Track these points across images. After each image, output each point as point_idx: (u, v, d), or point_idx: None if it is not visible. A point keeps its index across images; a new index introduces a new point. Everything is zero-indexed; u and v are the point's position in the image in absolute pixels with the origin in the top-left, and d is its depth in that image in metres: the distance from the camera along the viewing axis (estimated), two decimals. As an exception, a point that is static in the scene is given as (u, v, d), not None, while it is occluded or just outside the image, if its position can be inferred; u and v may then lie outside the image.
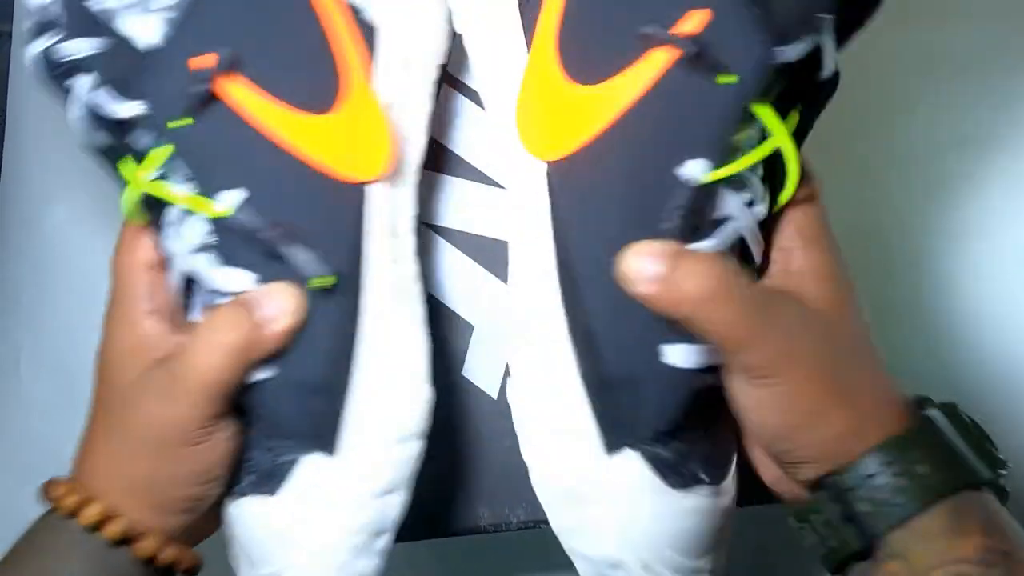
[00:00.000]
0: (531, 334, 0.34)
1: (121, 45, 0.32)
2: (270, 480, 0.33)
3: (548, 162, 0.35)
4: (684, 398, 0.32)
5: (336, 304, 0.33)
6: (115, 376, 0.35)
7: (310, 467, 0.33)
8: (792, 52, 0.30)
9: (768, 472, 0.36)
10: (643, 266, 0.31)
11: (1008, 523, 0.31)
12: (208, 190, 0.32)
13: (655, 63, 0.31)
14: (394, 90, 0.37)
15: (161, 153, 0.33)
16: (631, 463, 0.32)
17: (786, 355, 0.31)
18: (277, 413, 0.33)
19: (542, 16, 0.34)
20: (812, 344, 0.32)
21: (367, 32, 0.36)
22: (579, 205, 0.33)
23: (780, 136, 0.32)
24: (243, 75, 0.33)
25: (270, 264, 0.33)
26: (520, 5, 0.36)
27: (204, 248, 0.33)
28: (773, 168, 0.33)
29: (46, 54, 0.33)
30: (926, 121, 0.56)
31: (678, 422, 0.32)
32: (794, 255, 0.35)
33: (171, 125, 0.32)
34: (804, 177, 0.34)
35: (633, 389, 0.32)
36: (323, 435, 0.33)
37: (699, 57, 0.30)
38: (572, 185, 0.34)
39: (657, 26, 0.30)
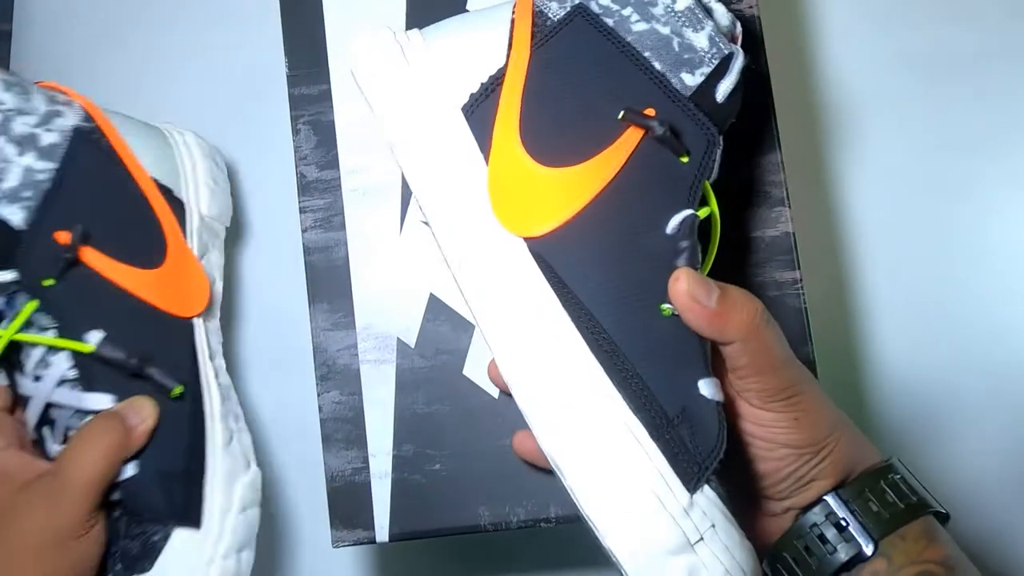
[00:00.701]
0: (569, 392, 0.35)
1: None
2: (142, 560, 0.41)
3: (529, 238, 0.38)
4: (723, 426, 0.35)
5: (187, 410, 0.43)
6: None
7: (180, 541, 0.41)
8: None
9: None
10: (699, 294, 0.35)
11: (955, 545, 0.37)
12: (72, 333, 0.42)
13: (627, 145, 0.38)
14: (200, 248, 0.49)
15: (28, 308, 0.42)
16: (712, 498, 0.34)
17: (805, 378, 0.38)
18: (146, 502, 0.41)
19: (499, 118, 0.39)
20: (812, 378, 0.39)
21: (177, 206, 0.49)
22: (584, 270, 0.37)
23: (713, 204, 0.40)
24: (92, 245, 0.43)
25: (124, 384, 0.43)
26: (466, 116, 0.40)
27: (66, 381, 0.42)
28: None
29: None
30: (925, 121, 0.56)
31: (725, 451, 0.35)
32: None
33: (44, 283, 0.42)
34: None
35: (689, 422, 0.35)
36: (189, 514, 0.41)
37: (664, 138, 0.37)
38: (570, 255, 0.37)
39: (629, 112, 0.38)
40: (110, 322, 0.43)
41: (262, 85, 0.60)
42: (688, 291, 0.35)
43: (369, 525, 0.45)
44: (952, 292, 0.56)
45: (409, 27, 0.47)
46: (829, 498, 0.37)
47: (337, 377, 0.46)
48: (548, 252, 0.37)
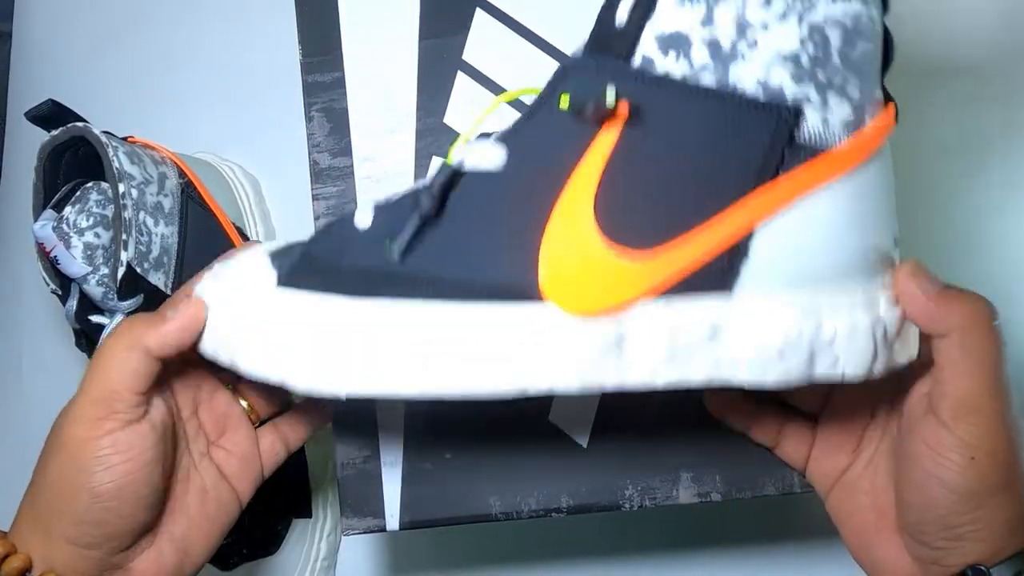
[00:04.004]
0: None
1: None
2: (267, 545, 0.47)
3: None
4: None
5: None
6: None
7: (297, 530, 0.50)
8: None
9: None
10: (921, 278, 0.34)
11: None
12: None
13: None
14: None
15: None
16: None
17: (1008, 421, 0.33)
18: (275, 502, 0.45)
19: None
20: (1019, 431, 0.34)
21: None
22: None
23: None
24: None
25: None
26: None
27: None
28: None
29: None
30: (927, 121, 0.57)
31: None
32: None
33: None
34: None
35: None
36: (305, 507, 0.47)
37: None
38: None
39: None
40: None
41: (272, 73, 0.60)
42: (911, 273, 0.34)
43: (380, 513, 0.45)
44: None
45: (424, 10, 0.47)
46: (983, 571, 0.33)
47: (349, 364, 0.46)
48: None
